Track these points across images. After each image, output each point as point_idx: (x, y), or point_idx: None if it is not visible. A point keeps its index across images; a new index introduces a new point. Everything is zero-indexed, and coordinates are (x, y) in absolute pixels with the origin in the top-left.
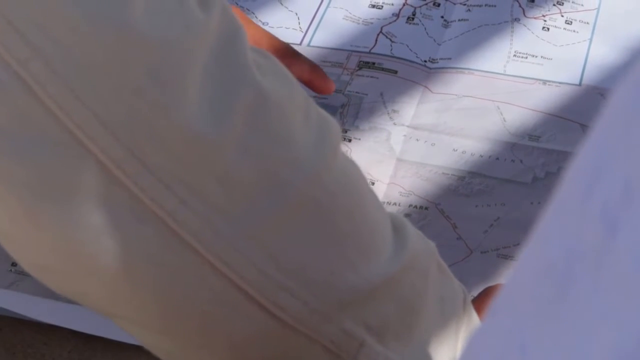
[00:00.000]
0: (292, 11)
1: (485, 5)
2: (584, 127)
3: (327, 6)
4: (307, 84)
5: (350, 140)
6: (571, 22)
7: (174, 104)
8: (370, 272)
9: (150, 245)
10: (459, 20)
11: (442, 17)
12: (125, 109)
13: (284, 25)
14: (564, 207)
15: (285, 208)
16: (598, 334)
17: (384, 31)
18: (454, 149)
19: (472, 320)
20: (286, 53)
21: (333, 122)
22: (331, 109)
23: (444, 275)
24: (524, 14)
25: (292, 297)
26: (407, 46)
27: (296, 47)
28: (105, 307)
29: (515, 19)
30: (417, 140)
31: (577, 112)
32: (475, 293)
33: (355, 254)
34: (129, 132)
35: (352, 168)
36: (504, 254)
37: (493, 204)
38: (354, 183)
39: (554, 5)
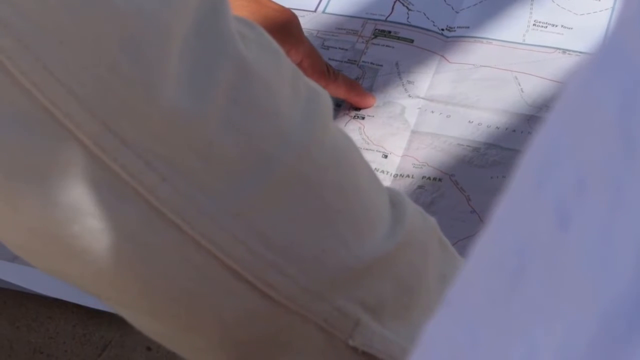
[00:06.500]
0: None
1: None
2: None
3: None
4: (347, 101)
5: (363, 118)
6: None
7: (151, 78)
8: (364, 250)
9: (132, 223)
10: None
11: None
12: (100, 84)
13: None
14: (517, 197)
15: (273, 184)
16: (547, 333)
17: None
18: (469, 121)
19: None
20: (325, 73)
21: (324, 95)
22: None
23: (446, 252)
24: None
25: (282, 275)
26: (424, 14)
27: (311, 14)
28: (89, 288)
29: None
30: (432, 112)
31: None
32: None
33: (347, 231)
34: (106, 108)
35: (345, 142)
36: None
37: (508, 176)
38: (347, 158)
39: None
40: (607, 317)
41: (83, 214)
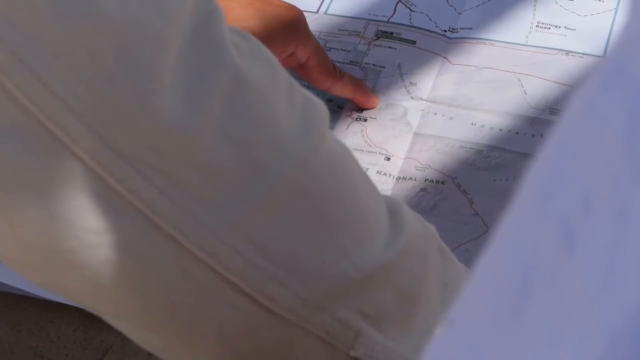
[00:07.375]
0: None
1: None
2: None
3: None
4: (352, 100)
5: (365, 120)
6: None
7: (147, 90)
8: (364, 259)
9: (129, 237)
10: None
11: None
12: (96, 97)
13: None
14: (521, 215)
15: (271, 195)
16: (553, 355)
17: None
18: (472, 123)
19: None
20: (332, 71)
21: (320, 105)
22: None
23: (446, 259)
24: None
25: (281, 287)
26: (427, 15)
27: (313, 15)
28: (87, 302)
29: None
30: (435, 114)
31: None
32: None
33: (347, 241)
34: (102, 121)
35: (342, 151)
36: None
37: (512, 178)
38: (344, 167)
39: None
40: (613, 339)
41: (80, 229)
